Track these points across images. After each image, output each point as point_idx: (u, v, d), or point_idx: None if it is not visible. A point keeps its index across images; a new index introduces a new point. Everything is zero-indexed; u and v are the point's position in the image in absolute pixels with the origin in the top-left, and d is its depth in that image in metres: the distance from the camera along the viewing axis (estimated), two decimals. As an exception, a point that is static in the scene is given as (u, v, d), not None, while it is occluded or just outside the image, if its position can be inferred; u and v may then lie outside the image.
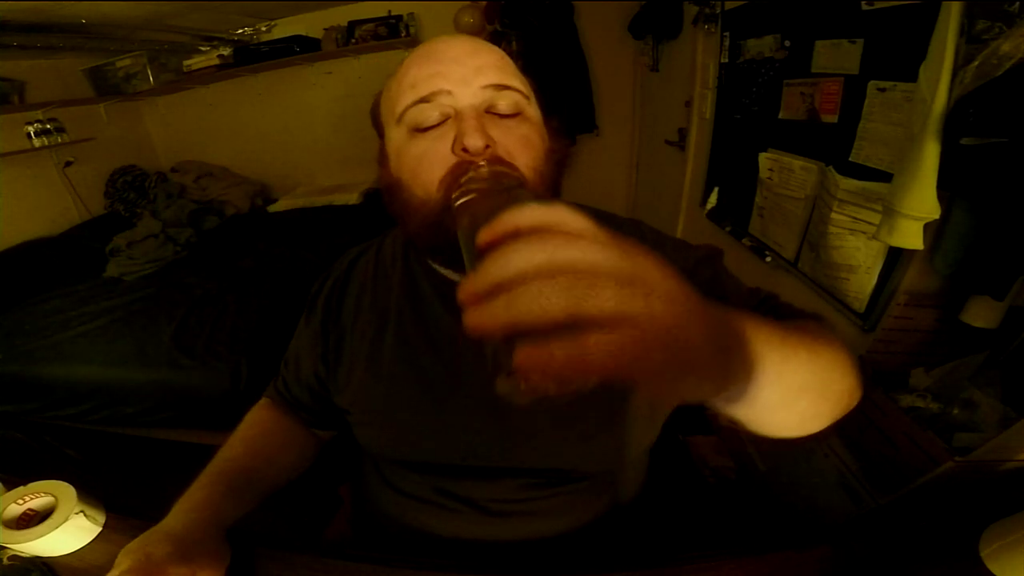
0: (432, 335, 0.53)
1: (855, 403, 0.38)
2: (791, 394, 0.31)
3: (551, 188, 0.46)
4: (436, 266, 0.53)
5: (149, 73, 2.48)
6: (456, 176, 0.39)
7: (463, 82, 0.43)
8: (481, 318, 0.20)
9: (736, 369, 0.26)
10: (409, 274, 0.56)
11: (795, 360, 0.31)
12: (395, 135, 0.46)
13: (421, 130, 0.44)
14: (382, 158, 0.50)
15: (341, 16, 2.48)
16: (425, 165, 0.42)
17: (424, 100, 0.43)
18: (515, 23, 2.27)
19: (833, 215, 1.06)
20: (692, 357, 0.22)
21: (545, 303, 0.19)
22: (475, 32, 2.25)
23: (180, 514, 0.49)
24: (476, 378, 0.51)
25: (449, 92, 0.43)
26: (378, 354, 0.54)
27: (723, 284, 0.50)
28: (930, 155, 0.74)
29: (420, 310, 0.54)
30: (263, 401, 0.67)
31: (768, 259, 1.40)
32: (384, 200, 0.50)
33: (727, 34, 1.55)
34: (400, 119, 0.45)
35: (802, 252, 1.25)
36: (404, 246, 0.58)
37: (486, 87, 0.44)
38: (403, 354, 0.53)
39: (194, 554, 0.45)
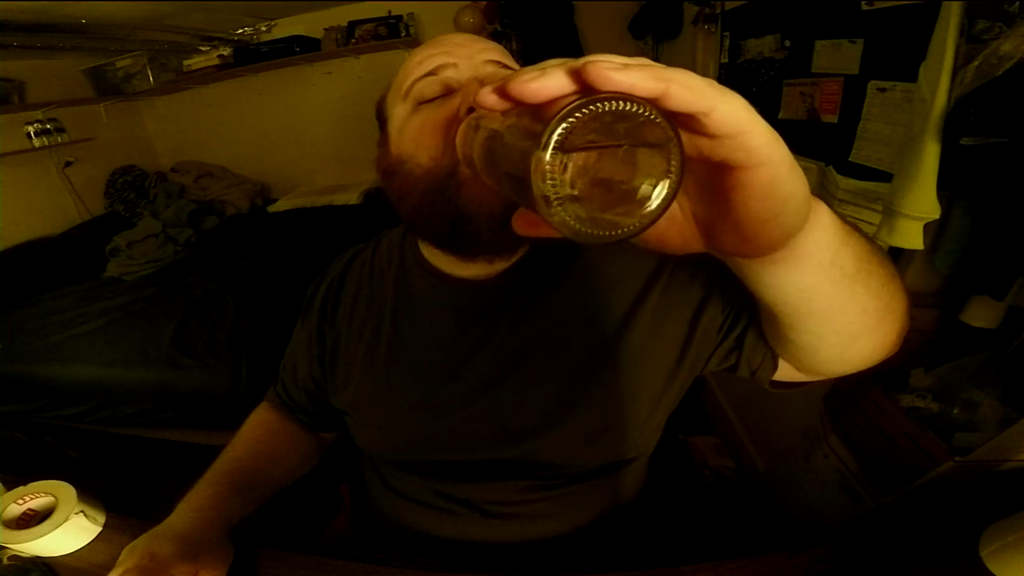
0: (428, 333, 0.53)
1: (905, 331, 0.36)
2: (848, 268, 0.29)
3: None
4: (433, 259, 0.52)
5: (149, 73, 2.48)
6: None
7: (467, 58, 0.45)
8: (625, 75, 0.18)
9: (808, 205, 0.24)
10: (405, 272, 0.56)
11: (852, 238, 0.29)
12: (400, 112, 0.46)
13: (426, 102, 0.44)
14: (383, 142, 0.50)
15: (341, 16, 2.47)
16: (429, 128, 0.43)
17: (430, 73, 0.44)
18: (515, 23, 2.27)
19: (833, 215, 1.06)
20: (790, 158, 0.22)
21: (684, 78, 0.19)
22: (475, 32, 2.25)
23: (184, 513, 0.49)
24: (475, 375, 0.51)
25: (455, 65, 0.44)
26: (375, 355, 0.54)
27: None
28: (930, 155, 0.74)
29: (416, 308, 0.54)
30: (264, 404, 0.67)
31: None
32: (383, 185, 0.50)
33: (727, 34, 1.55)
34: (407, 95, 0.45)
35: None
36: (400, 245, 0.58)
37: (489, 61, 0.45)
38: (400, 354, 0.53)
39: (198, 553, 0.45)
